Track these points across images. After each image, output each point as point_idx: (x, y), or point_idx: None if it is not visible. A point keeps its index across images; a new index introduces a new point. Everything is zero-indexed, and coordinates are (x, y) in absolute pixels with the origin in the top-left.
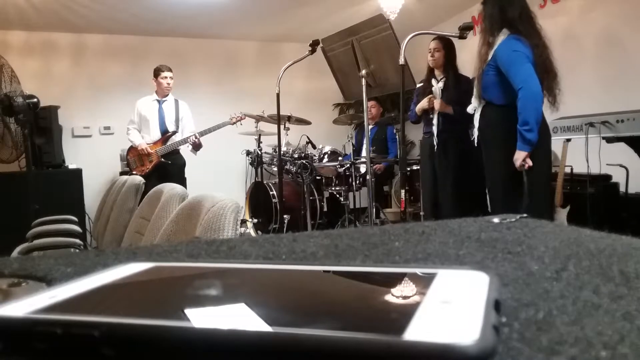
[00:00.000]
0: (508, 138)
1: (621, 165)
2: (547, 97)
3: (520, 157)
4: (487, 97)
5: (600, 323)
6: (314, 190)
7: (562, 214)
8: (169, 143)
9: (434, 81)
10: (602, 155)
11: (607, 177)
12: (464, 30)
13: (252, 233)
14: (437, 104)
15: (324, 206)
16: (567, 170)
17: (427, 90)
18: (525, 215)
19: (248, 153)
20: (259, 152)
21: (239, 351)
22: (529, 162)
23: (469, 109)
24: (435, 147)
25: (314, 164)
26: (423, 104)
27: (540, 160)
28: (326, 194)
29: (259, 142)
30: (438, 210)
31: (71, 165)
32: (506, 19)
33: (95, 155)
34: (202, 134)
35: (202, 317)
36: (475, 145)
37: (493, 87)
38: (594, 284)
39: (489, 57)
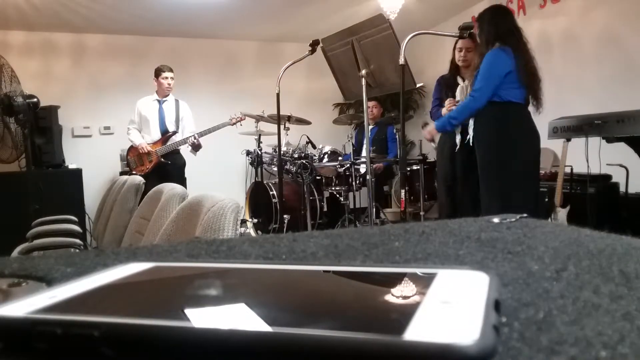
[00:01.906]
0: (499, 136)
1: (621, 165)
2: (532, 101)
3: (431, 129)
4: None
5: (600, 323)
6: (314, 190)
7: (562, 214)
8: (169, 143)
9: (459, 79)
10: (602, 155)
11: (607, 177)
12: (464, 30)
13: (252, 233)
14: None
15: (324, 206)
16: (567, 170)
17: (451, 85)
18: (525, 215)
19: (248, 153)
20: (259, 152)
21: (239, 351)
22: (432, 136)
23: None
24: (458, 146)
25: (314, 164)
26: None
27: (528, 159)
28: (326, 194)
29: (259, 142)
30: (455, 210)
31: (71, 165)
32: (499, 35)
33: (95, 155)
34: (201, 134)
35: (202, 317)
36: (471, 145)
37: None
38: (594, 284)
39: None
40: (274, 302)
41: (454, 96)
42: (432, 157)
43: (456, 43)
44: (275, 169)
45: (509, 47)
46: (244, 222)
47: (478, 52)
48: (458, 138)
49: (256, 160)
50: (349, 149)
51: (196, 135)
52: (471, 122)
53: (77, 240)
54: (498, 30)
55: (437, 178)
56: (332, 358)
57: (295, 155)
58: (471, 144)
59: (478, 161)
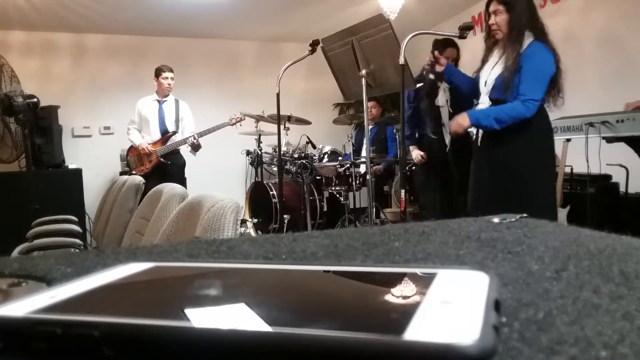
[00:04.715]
0: (531, 136)
1: (621, 165)
2: (553, 100)
3: (464, 122)
4: (502, 97)
5: (600, 323)
6: (314, 190)
7: (562, 214)
8: (168, 143)
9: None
10: (602, 155)
11: (607, 177)
12: (464, 30)
13: (252, 233)
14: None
15: (324, 206)
16: (567, 170)
17: (432, 92)
18: (525, 215)
19: (248, 153)
20: (259, 152)
21: (239, 351)
22: (463, 128)
23: (482, 106)
24: (448, 147)
25: (314, 164)
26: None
27: (544, 160)
28: (326, 194)
29: (259, 142)
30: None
31: (71, 165)
32: (533, 18)
33: (95, 155)
34: (201, 134)
35: (202, 317)
36: (479, 144)
37: (514, 89)
38: (594, 284)
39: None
40: (274, 302)
41: (433, 103)
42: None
43: (441, 52)
44: (275, 169)
45: (545, 42)
46: (244, 222)
47: (512, 46)
48: (448, 139)
49: (256, 160)
50: (349, 149)
51: (196, 136)
52: None
53: (77, 240)
54: (533, 14)
55: (428, 182)
56: (332, 358)
57: (295, 155)
58: (479, 144)
59: (492, 160)
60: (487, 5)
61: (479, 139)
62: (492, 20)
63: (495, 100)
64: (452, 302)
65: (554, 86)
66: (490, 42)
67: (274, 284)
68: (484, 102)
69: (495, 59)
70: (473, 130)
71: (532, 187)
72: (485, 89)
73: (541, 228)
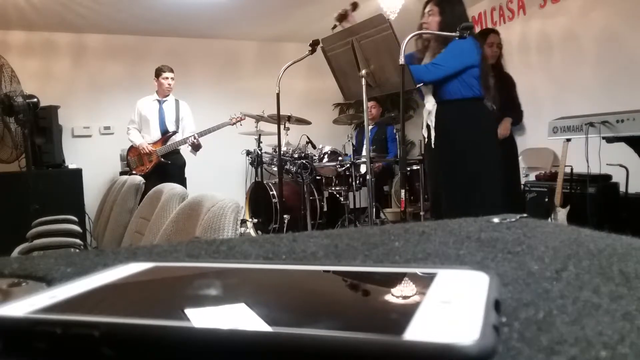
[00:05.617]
0: (467, 133)
1: (621, 165)
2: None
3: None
4: (447, 93)
5: (600, 323)
6: (314, 190)
7: (562, 214)
8: (169, 143)
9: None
10: (602, 155)
11: (607, 177)
12: (464, 30)
13: (252, 233)
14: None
15: (324, 206)
16: (567, 170)
17: None
18: (525, 215)
19: (248, 153)
20: (259, 152)
21: (239, 351)
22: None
23: (429, 107)
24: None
25: (314, 164)
26: None
27: (487, 148)
28: (326, 194)
29: (259, 142)
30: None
31: (71, 165)
32: (463, 21)
33: (95, 155)
34: (201, 134)
35: (202, 317)
36: (432, 146)
37: (450, 83)
38: (594, 284)
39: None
40: (274, 302)
41: None
42: None
43: (484, 41)
44: (275, 169)
45: (475, 39)
46: (244, 222)
47: (438, 43)
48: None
49: (256, 160)
50: (349, 149)
51: (196, 135)
52: (432, 117)
53: (77, 240)
54: (463, 18)
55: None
56: (332, 358)
57: (295, 155)
58: (433, 145)
59: (446, 158)
60: (424, 5)
61: (432, 142)
62: (424, 19)
63: (441, 98)
64: (452, 302)
65: (484, 84)
66: (421, 43)
67: (273, 284)
68: (429, 101)
69: (427, 59)
70: (424, 133)
71: (482, 183)
72: (426, 89)
73: (541, 228)
